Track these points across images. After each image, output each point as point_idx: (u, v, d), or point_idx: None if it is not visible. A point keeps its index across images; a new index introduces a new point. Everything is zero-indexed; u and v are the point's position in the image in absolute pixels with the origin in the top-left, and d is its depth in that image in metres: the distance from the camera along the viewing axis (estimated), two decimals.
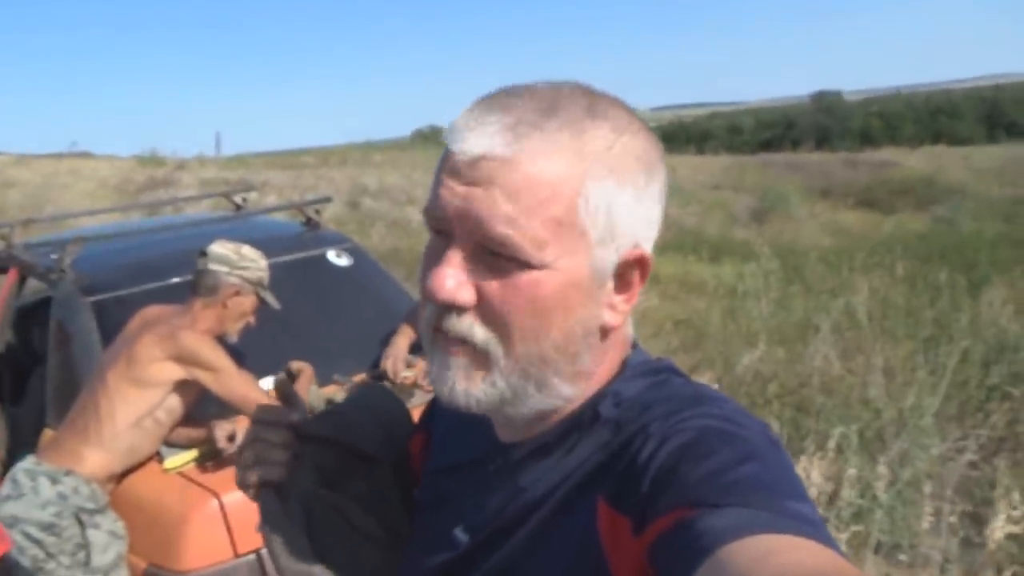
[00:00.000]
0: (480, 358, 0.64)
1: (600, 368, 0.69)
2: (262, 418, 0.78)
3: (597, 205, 0.62)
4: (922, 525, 3.17)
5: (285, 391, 0.81)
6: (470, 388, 0.64)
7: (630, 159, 0.64)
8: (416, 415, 0.91)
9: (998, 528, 2.88)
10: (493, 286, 0.62)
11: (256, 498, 0.77)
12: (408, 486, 0.84)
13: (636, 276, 0.67)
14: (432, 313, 0.65)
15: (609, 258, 0.64)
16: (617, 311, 0.67)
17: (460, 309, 0.63)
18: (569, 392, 0.67)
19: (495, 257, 0.61)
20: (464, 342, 0.63)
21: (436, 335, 0.66)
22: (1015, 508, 2.94)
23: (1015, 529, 2.88)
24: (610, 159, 0.62)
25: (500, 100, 0.63)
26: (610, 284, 0.65)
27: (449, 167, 0.62)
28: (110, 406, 2.15)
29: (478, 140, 0.61)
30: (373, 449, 0.81)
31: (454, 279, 0.62)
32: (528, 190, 0.60)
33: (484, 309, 0.62)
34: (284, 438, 0.78)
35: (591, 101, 0.64)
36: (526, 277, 0.61)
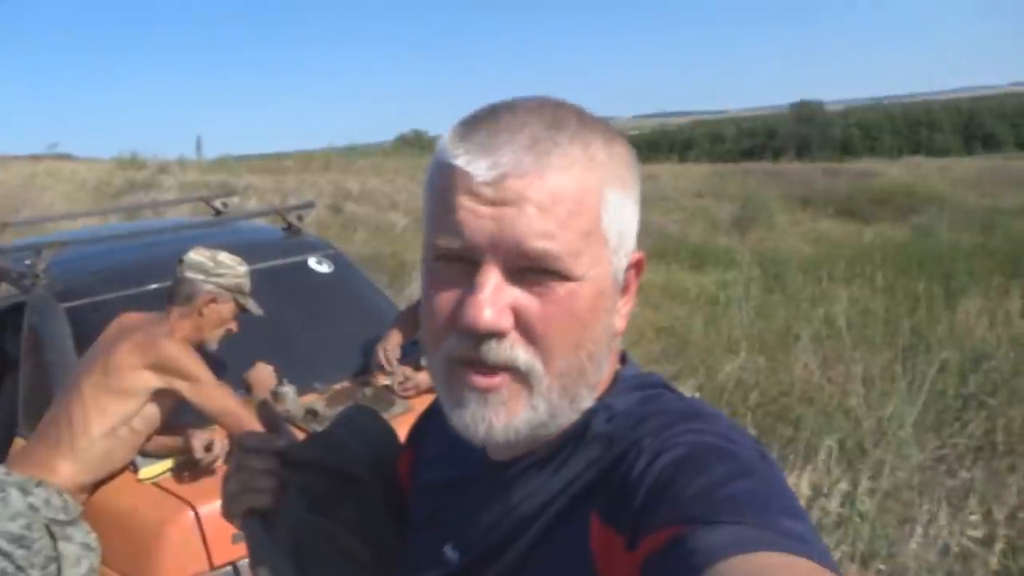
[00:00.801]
0: (522, 382, 0.62)
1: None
2: (247, 445, 0.77)
3: (613, 213, 0.63)
4: (900, 533, 3.19)
5: (269, 416, 0.80)
6: (511, 421, 0.62)
7: (623, 166, 0.65)
8: (396, 425, 0.90)
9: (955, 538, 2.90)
10: (531, 304, 0.61)
11: (243, 527, 0.76)
12: (397, 507, 0.83)
13: (633, 277, 0.69)
14: (461, 345, 0.62)
15: (621, 264, 0.66)
16: (622, 315, 0.68)
17: (500, 335, 0.61)
18: (588, 403, 0.67)
19: (528, 275, 0.61)
20: (505, 368, 0.61)
21: (461, 370, 0.63)
22: (972, 513, 2.96)
23: (976, 534, 2.91)
24: (612, 168, 0.64)
25: (503, 119, 0.62)
26: (620, 289, 0.67)
27: (467, 190, 0.60)
28: (84, 415, 2.11)
29: (499, 159, 0.60)
30: (360, 472, 0.80)
31: (493, 305, 0.60)
32: (558, 203, 0.60)
33: (524, 329, 0.61)
34: (270, 465, 0.76)
35: (577, 114, 0.65)
36: (562, 290, 0.61)
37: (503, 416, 0.62)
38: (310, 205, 3.75)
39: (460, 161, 0.61)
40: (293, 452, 0.77)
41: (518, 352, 0.61)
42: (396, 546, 0.80)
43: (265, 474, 0.76)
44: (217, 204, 4.02)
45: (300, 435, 0.82)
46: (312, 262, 3.20)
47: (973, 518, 3.12)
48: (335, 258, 3.31)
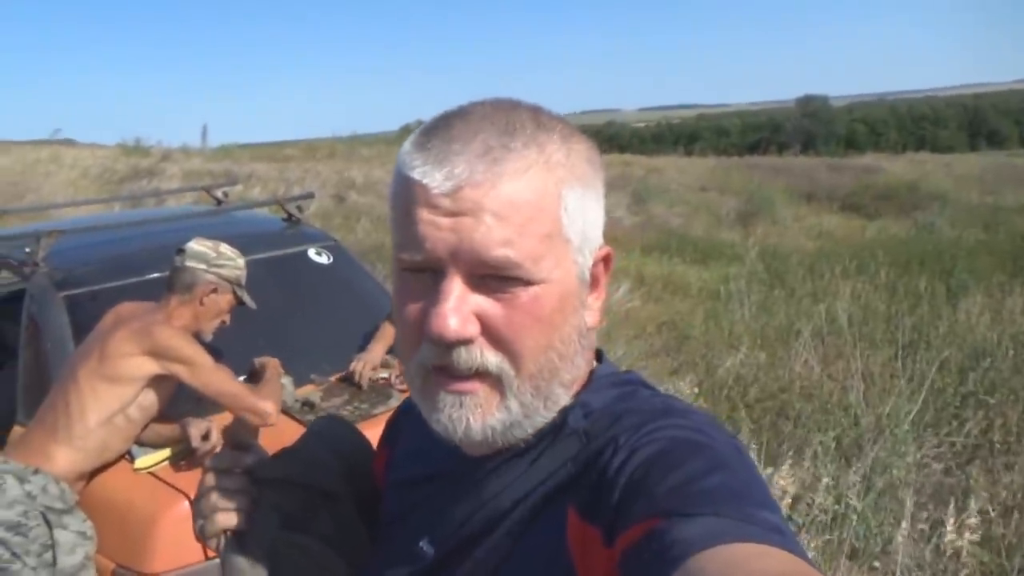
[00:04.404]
0: (494, 385, 0.64)
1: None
2: (216, 466, 0.77)
3: (574, 213, 0.64)
4: (896, 532, 3.19)
5: (237, 437, 0.80)
6: (486, 420, 0.64)
7: (583, 163, 0.65)
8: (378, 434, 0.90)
9: (952, 537, 2.92)
10: (496, 310, 0.62)
11: (217, 547, 0.76)
12: (373, 513, 0.83)
13: (602, 272, 0.69)
14: (432, 353, 0.63)
15: (587, 262, 0.66)
16: (593, 310, 0.69)
17: (467, 342, 0.62)
18: (565, 401, 0.67)
19: (491, 281, 0.61)
20: (477, 373, 0.63)
21: (436, 376, 0.64)
22: (971, 517, 2.97)
23: (973, 538, 2.92)
24: (570, 167, 0.64)
25: (457, 128, 0.62)
26: (587, 286, 0.68)
27: (425, 202, 0.61)
28: (80, 403, 2.11)
29: (453, 170, 0.60)
30: (334, 485, 0.80)
31: (457, 314, 0.61)
32: (516, 210, 0.60)
33: (491, 335, 0.62)
34: (241, 484, 0.76)
35: (533, 114, 0.65)
36: (526, 295, 0.62)
37: (479, 416, 0.64)
38: (310, 196, 3.75)
39: (416, 174, 0.62)
40: (263, 470, 0.77)
41: (488, 357, 0.62)
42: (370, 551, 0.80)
43: (236, 493, 0.76)
44: (218, 194, 4.02)
45: (271, 450, 0.81)
46: (311, 253, 3.20)
47: (968, 518, 3.12)
48: (334, 249, 3.31)
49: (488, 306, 0.62)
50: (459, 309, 0.61)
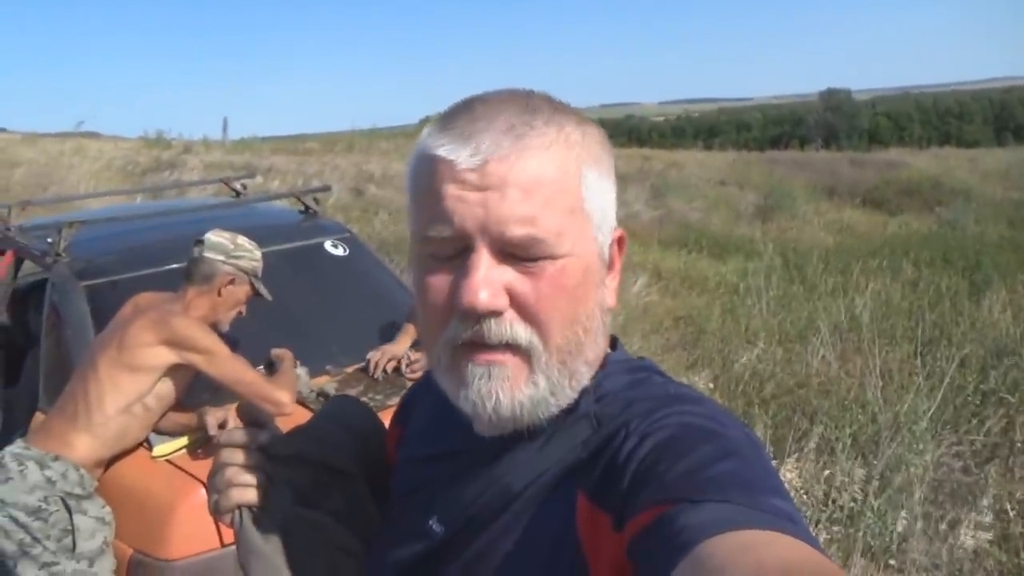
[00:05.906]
0: (523, 358, 0.64)
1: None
2: (230, 442, 0.78)
3: (593, 190, 0.66)
4: (911, 529, 3.17)
5: (251, 414, 0.81)
6: (515, 394, 0.64)
7: (598, 146, 0.68)
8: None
9: (967, 536, 2.89)
10: (523, 283, 0.63)
11: (231, 523, 0.77)
12: (384, 496, 0.84)
13: (616, 254, 0.71)
14: (461, 328, 0.64)
15: (605, 240, 0.68)
16: (610, 289, 0.71)
17: (497, 314, 0.63)
18: (586, 381, 0.68)
19: (518, 255, 0.63)
20: (507, 345, 0.64)
21: (466, 351, 0.64)
22: (984, 515, 2.94)
23: (987, 536, 2.89)
24: (587, 148, 0.66)
25: (478, 110, 0.64)
26: (606, 265, 0.69)
27: (452, 178, 0.62)
28: (100, 392, 2.15)
29: (480, 145, 0.62)
30: (346, 463, 0.80)
31: (488, 286, 0.62)
32: (540, 185, 0.62)
33: (519, 307, 0.63)
34: (255, 460, 0.77)
35: (548, 101, 0.67)
36: (552, 267, 0.63)
37: (508, 389, 0.64)
38: (326, 189, 3.79)
39: (443, 151, 0.63)
40: (276, 446, 0.78)
41: (518, 329, 0.63)
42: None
43: (250, 469, 0.77)
44: (237, 186, 4.06)
45: (285, 428, 0.82)
46: (328, 245, 3.23)
47: (981, 517, 3.09)
48: (350, 241, 3.33)
49: (516, 280, 0.63)
50: (489, 281, 0.62)
